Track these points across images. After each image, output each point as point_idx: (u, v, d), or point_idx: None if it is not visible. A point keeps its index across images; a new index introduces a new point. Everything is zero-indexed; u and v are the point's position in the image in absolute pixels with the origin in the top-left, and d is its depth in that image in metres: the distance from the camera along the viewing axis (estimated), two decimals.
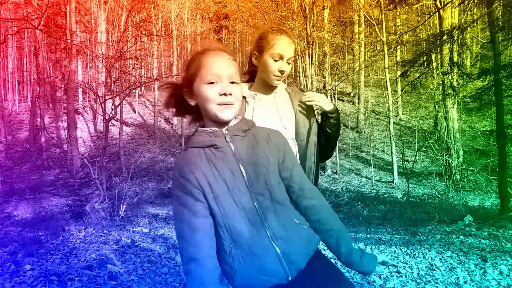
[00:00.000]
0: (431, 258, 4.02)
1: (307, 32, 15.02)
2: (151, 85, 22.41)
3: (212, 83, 1.12)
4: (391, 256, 4.29)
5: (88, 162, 7.95)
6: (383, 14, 16.66)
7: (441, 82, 12.59)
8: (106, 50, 17.61)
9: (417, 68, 8.53)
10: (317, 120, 1.77)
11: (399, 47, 22.22)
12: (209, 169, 1.13)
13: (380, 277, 3.49)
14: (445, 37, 7.80)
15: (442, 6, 11.38)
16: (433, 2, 12.69)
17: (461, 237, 4.91)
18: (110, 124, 9.27)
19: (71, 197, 12.12)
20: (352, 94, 25.20)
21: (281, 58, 1.62)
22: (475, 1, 7.61)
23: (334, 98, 22.56)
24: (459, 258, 3.94)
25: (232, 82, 1.14)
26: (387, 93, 16.73)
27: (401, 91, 19.65)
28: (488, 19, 7.25)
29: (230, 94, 1.12)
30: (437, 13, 12.34)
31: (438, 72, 12.15)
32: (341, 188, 13.95)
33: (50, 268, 3.37)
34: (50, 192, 12.81)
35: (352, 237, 5.78)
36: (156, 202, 12.20)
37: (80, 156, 14.46)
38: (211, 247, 1.12)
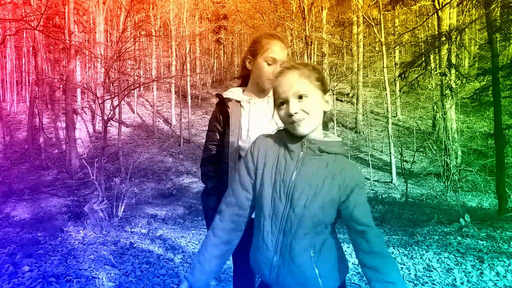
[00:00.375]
0: (429, 259, 4.04)
1: (305, 32, 15.03)
2: (149, 85, 22.42)
3: (282, 103, 1.19)
4: None
5: (86, 162, 7.95)
6: (381, 15, 16.68)
7: (439, 83, 12.62)
8: (104, 51, 17.60)
9: (415, 69, 8.56)
10: None
11: (397, 47, 22.26)
12: (272, 159, 1.22)
13: None
14: (443, 38, 7.83)
15: (441, 7, 11.41)
16: (432, 3, 12.72)
17: (459, 238, 4.93)
18: (108, 125, 9.26)
19: (70, 197, 12.11)
20: (350, 95, 25.22)
21: (275, 62, 1.64)
22: (473, 2, 7.65)
23: (333, 99, 22.56)
24: (456, 259, 3.95)
25: (301, 97, 1.16)
26: (386, 94, 16.76)
27: (400, 91, 19.70)
28: (486, 20, 7.28)
29: (296, 113, 1.15)
30: (435, 14, 12.36)
31: (436, 73, 12.18)
32: None
33: (48, 269, 3.37)
34: (48, 193, 12.79)
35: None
36: (154, 203, 12.19)
37: (78, 157, 14.45)
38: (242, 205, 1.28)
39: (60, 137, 19.64)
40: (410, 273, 3.61)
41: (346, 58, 27.22)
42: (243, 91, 1.80)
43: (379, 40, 16.94)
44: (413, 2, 13.35)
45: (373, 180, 14.75)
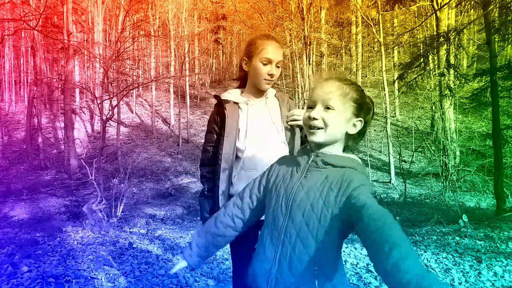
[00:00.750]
0: (427, 259, 4.05)
1: (304, 32, 15.03)
2: (148, 85, 22.41)
3: (311, 107, 1.19)
4: None
5: (85, 162, 7.95)
6: (380, 15, 16.70)
7: (437, 83, 12.65)
8: (103, 51, 17.58)
9: (414, 69, 8.58)
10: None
11: (396, 48, 22.28)
12: (282, 172, 1.27)
13: (376, 278, 3.51)
14: (442, 39, 7.85)
15: (439, 7, 11.43)
16: (430, 3, 12.73)
17: (457, 238, 4.94)
18: (107, 125, 9.26)
19: (68, 197, 12.09)
20: None
21: (270, 62, 1.66)
22: (472, 3, 7.66)
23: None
24: (454, 259, 3.97)
25: (328, 108, 1.14)
26: (384, 94, 16.78)
27: (398, 92, 19.73)
28: (485, 21, 7.30)
29: (316, 119, 1.15)
30: (434, 14, 12.38)
31: (435, 73, 12.21)
32: None
33: (47, 269, 3.37)
34: (47, 193, 12.78)
35: (349, 238, 5.81)
36: (153, 203, 12.19)
37: (77, 157, 14.44)
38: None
39: (58, 137, 19.62)
40: None
41: (344, 58, 27.26)
42: (242, 92, 1.81)
43: (378, 40, 16.96)
44: (412, 3, 13.39)
45: (372, 180, 14.77)
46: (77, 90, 21.99)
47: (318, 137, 1.15)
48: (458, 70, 8.84)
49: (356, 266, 3.96)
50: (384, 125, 18.04)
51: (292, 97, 15.79)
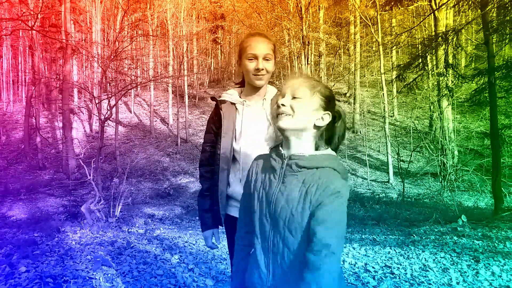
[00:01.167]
0: (425, 259, 4.06)
1: (302, 32, 15.04)
2: (147, 85, 22.37)
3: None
4: (385, 257, 4.33)
5: (83, 162, 7.93)
6: (378, 15, 16.71)
7: (436, 83, 12.67)
8: (101, 50, 17.55)
9: (412, 70, 8.59)
10: None
11: (394, 47, 22.29)
12: (260, 177, 1.27)
13: (374, 278, 3.52)
14: (440, 39, 7.86)
15: (437, 7, 11.44)
16: (428, 3, 12.75)
17: (455, 237, 4.95)
18: (105, 125, 9.24)
19: (67, 197, 12.07)
20: (348, 95, 25.27)
21: (256, 57, 1.66)
22: (470, 3, 7.68)
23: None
24: (452, 259, 3.98)
25: (295, 98, 1.21)
26: (383, 94, 16.80)
27: (397, 92, 19.76)
28: (482, 21, 7.31)
29: (284, 106, 1.22)
30: (432, 14, 12.40)
31: (433, 73, 12.23)
32: None
33: (45, 270, 3.36)
34: (45, 193, 12.75)
35: (347, 238, 5.81)
36: (152, 203, 12.18)
37: (75, 156, 14.41)
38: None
39: (56, 137, 19.58)
40: (406, 273, 3.63)
41: (343, 58, 27.26)
42: (241, 92, 1.82)
43: (376, 40, 16.97)
44: (410, 3, 13.40)
45: (370, 180, 14.80)
46: (75, 90, 21.93)
47: (285, 122, 1.18)
48: (456, 70, 8.86)
49: (354, 265, 3.97)
50: (382, 124, 18.07)
51: None
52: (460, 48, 9.12)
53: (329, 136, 1.29)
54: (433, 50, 9.41)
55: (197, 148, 19.43)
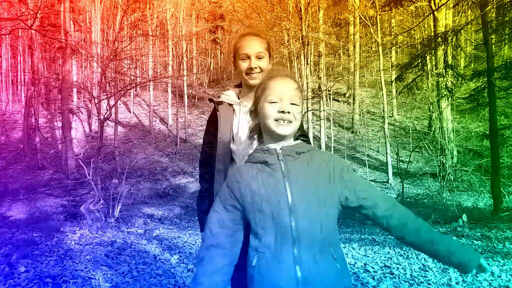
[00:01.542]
0: (424, 259, 4.06)
1: (302, 32, 15.03)
2: (146, 85, 22.36)
3: (274, 102, 1.22)
4: (385, 257, 4.33)
5: (83, 162, 7.92)
6: (378, 15, 16.72)
7: (435, 83, 12.68)
8: (101, 50, 17.54)
9: (412, 70, 8.59)
10: None
11: (394, 48, 22.30)
12: (255, 182, 1.20)
13: (373, 278, 3.52)
14: (439, 39, 7.86)
15: (437, 8, 11.45)
16: (428, 3, 12.76)
17: (454, 238, 4.96)
18: (105, 125, 9.23)
19: (66, 197, 12.06)
20: (347, 95, 25.29)
21: (248, 57, 1.67)
22: (469, 3, 7.68)
23: (330, 99, 22.63)
24: None
25: (293, 104, 1.22)
26: (382, 94, 16.82)
27: (396, 92, 19.76)
28: (482, 21, 7.32)
29: (288, 112, 1.21)
30: (431, 14, 12.41)
31: (432, 73, 12.23)
32: None
33: (44, 270, 3.36)
34: (44, 193, 12.74)
35: (346, 238, 5.82)
36: (151, 203, 12.17)
37: (74, 156, 14.40)
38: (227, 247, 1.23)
39: (56, 136, 19.56)
40: (406, 273, 3.63)
41: (342, 58, 27.23)
42: (240, 92, 1.82)
43: (376, 40, 16.98)
44: (410, 3, 13.40)
45: (369, 180, 14.81)
46: (75, 90, 21.93)
47: (288, 130, 1.21)
48: (456, 70, 8.86)
49: (354, 266, 3.97)
50: (381, 125, 18.09)
51: None
52: (459, 48, 9.13)
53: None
54: (433, 51, 9.40)
55: (196, 148, 19.42)
